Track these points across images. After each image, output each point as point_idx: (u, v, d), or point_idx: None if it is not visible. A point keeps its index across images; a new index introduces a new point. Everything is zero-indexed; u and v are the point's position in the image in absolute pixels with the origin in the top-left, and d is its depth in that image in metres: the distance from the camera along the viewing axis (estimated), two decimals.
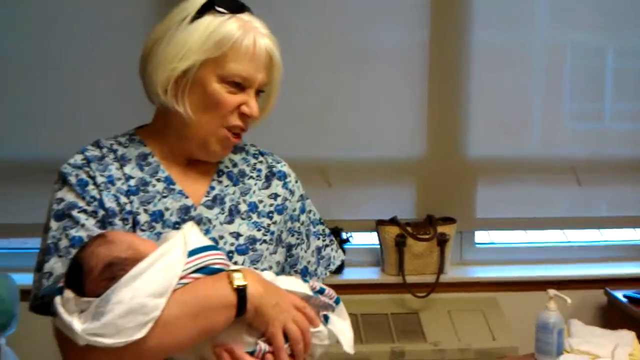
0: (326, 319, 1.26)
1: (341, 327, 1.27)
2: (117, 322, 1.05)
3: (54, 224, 1.24)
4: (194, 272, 1.14)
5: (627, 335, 2.18)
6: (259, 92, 1.31)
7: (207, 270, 1.15)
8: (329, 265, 1.49)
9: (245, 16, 1.29)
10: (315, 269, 1.46)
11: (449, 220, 2.74)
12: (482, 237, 3.01)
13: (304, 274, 1.44)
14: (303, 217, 1.45)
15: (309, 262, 1.45)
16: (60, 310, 1.10)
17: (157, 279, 1.09)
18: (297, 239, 1.44)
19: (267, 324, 1.16)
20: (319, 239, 1.48)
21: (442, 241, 2.66)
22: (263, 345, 1.17)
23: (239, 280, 1.14)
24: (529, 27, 2.89)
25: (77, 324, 1.07)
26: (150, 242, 1.18)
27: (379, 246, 2.72)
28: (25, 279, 2.31)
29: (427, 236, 2.65)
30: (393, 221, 2.68)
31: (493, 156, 2.88)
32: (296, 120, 2.64)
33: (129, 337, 1.06)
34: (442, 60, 2.79)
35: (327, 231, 1.51)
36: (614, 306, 2.72)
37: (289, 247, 1.42)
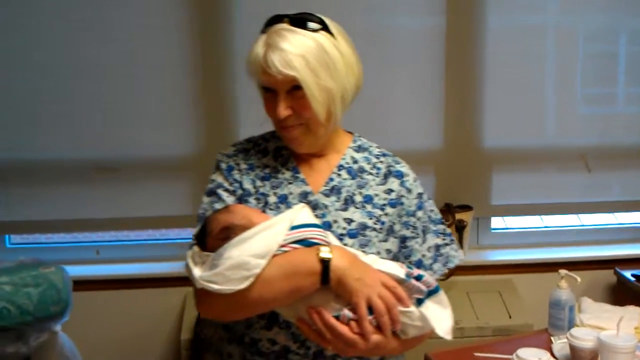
0: (420, 302, 1.33)
1: (438, 313, 1.35)
2: (225, 273, 1.28)
3: (205, 199, 1.52)
4: (293, 243, 1.32)
5: (634, 310, 2.22)
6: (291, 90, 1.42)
7: (305, 243, 1.32)
8: (447, 262, 1.56)
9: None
10: (431, 264, 1.53)
11: (466, 208, 2.81)
12: (497, 222, 3.04)
13: (418, 266, 1.50)
14: (420, 214, 1.55)
15: (423, 255, 1.53)
16: (188, 260, 1.35)
17: (260, 244, 1.30)
18: (412, 232, 1.53)
19: (350, 294, 1.29)
20: (438, 237, 1.56)
21: (460, 227, 2.74)
22: (347, 312, 1.30)
23: (324, 253, 1.29)
24: (540, 12, 2.83)
25: (197, 271, 1.32)
26: (264, 216, 1.39)
27: None
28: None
29: (446, 223, 2.73)
30: None
31: (507, 146, 2.89)
32: None
33: (234, 286, 1.28)
34: (459, 49, 2.77)
35: (448, 231, 1.60)
36: (622, 285, 2.79)
37: (403, 239, 1.53)
